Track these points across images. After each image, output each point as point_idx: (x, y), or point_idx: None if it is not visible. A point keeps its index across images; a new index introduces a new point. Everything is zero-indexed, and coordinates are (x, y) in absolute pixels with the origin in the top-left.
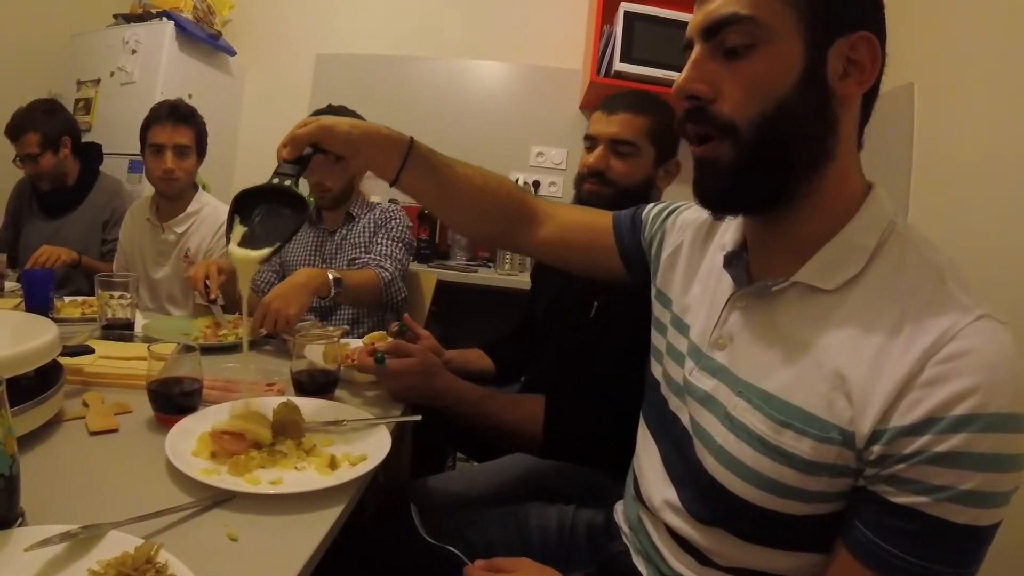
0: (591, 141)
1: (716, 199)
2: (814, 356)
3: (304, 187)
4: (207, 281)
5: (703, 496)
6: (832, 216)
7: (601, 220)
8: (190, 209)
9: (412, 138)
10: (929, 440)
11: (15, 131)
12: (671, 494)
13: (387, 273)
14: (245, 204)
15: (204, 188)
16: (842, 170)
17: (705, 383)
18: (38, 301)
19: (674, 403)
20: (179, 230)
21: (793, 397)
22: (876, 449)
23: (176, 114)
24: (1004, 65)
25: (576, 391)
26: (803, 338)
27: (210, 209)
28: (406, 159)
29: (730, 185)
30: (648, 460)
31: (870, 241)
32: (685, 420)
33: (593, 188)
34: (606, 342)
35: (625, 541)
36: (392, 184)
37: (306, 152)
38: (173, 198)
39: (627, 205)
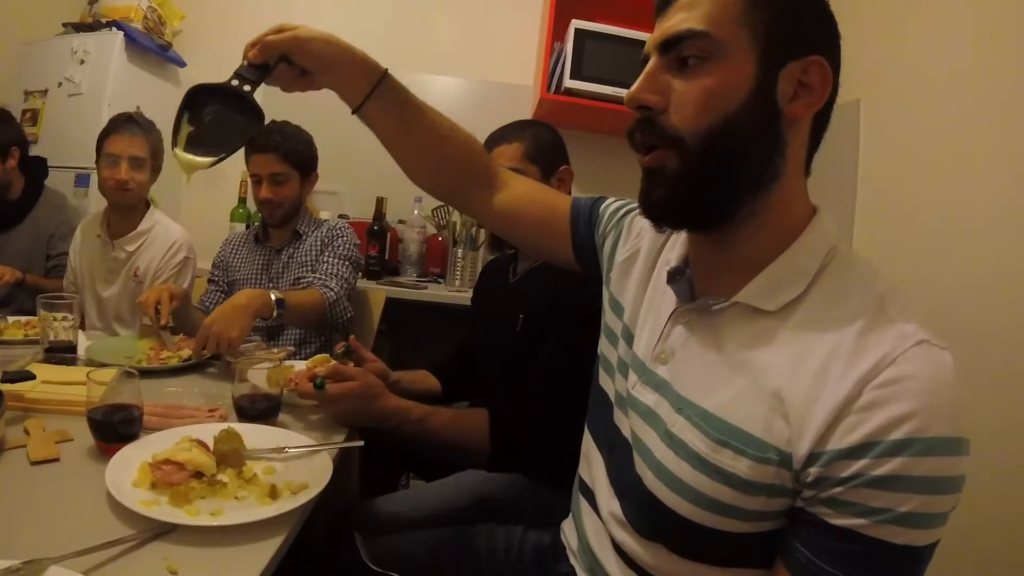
0: None
1: (660, 209)
2: (753, 376)
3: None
4: (158, 306)
5: (643, 511)
6: (776, 237)
7: (560, 202)
8: (141, 227)
9: (387, 70)
10: (867, 464)
11: None
12: (615, 507)
13: (332, 293)
14: (196, 101)
15: (152, 203)
16: (788, 192)
17: (647, 397)
18: None
19: (617, 414)
20: (129, 248)
21: (732, 416)
22: (813, 471)
23: (134, 125)
24: (948, 81)
25: (515, 402)
26: (743, 358)
27: (161, 228)
28: (375, 87)
29: (674, 196)
30: (596, 470)
31: (812, 264)
32: (626, 432)
33: None
34: (535, 351)
35: (572, 561)
36: (354, 112)
37: (271, 61)
38: (124, 211)
39: None
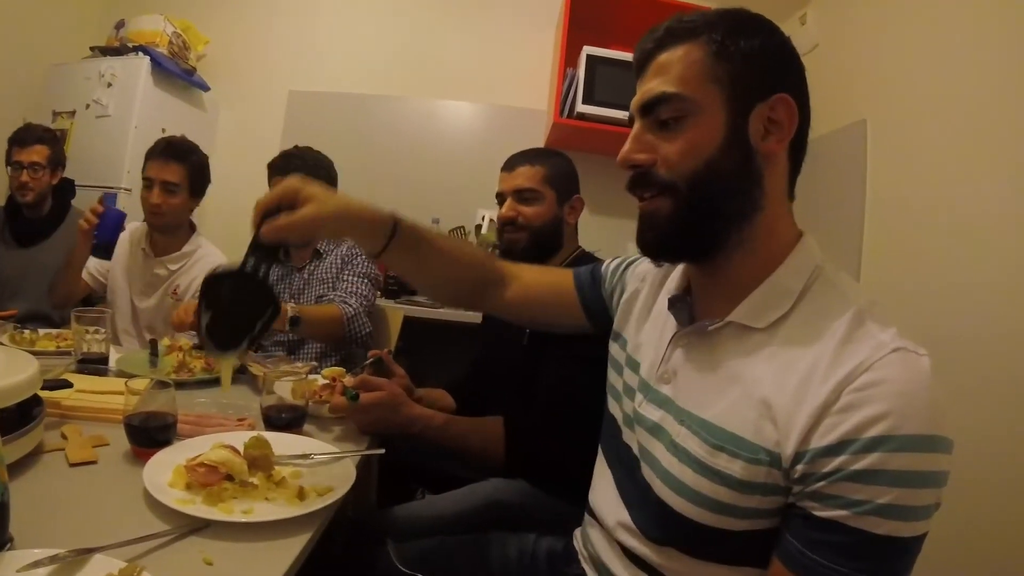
0: (500, 197)
1: (656, 247)
2: (745, 387)
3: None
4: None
5: (653, 517)
6: (763, 262)
7: (563, 278)
8: (185, 249)
9: (396, 218)
10: (846, 459)
11: (28, 136)
12: (624, 516)
13: (351, 308)
14: (213, 284)
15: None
16: (771, 220)
17: (653, 414)
18: (107, 235)
19: (626, 434)
20: (172, 267)
21: (727, 424)
22: (799, 468)
23: (168, 151)
24: (954, 99)
25: (527, 412)
26: (736, 371)
27: (204, 252)
28: (391, 238)
29: (666, 235)
30: (604, 486)
31: (797, 285)
32: (635, 448)
33: (510, 235)
34: (543, 364)
35: (583, 565)
36: (375, 258)
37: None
38: (161, 232)
39: (541, 244)
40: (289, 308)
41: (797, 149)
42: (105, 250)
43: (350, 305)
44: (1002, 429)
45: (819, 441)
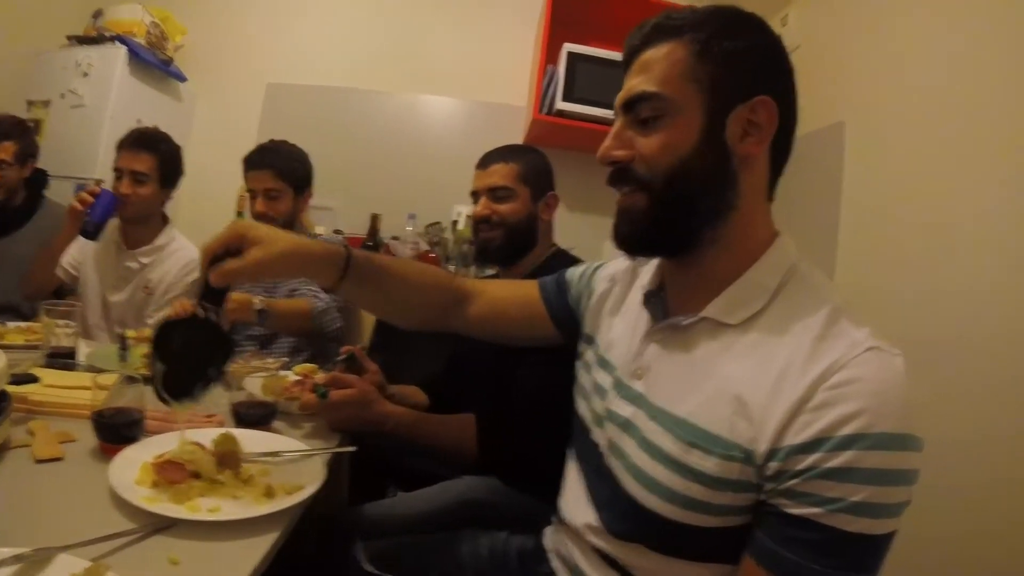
0: (475, 195)
1: (631, 241)
2: (719, 383)
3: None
4: None
5: (623, 514)
6: (738, 259)
7: (528, 289)
8: (158, 242)
9: (348, 251)
10: (820, 457)
11: None
12: (593, 517)
13: (321, 303)
14: (165, 334)
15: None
16: (746, 219)
17: (625, 410)
18: (99, 214)
19: (595, 433)
20: (144, 260)
21: (700, 420)
22: (773, 465)
23: (138, 141)
24: (932, 102)
25: (500, 409)
26: (710, 367)
27: (177, 245)
28: (344, 272)
29: (643, 229)
30: (573, 488)
31: (772, 282)
32: (604, 446)
33: (485, 233)
34: (516, 363)
35: (553, 563)
36: (329, 292)
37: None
38: (132, 224)
39: (516, 241)
40: (257, 301)
41: (779, 151)
42: (95, 230)
43: (321, 299)
44: (976, 430)
45: (793, 438)
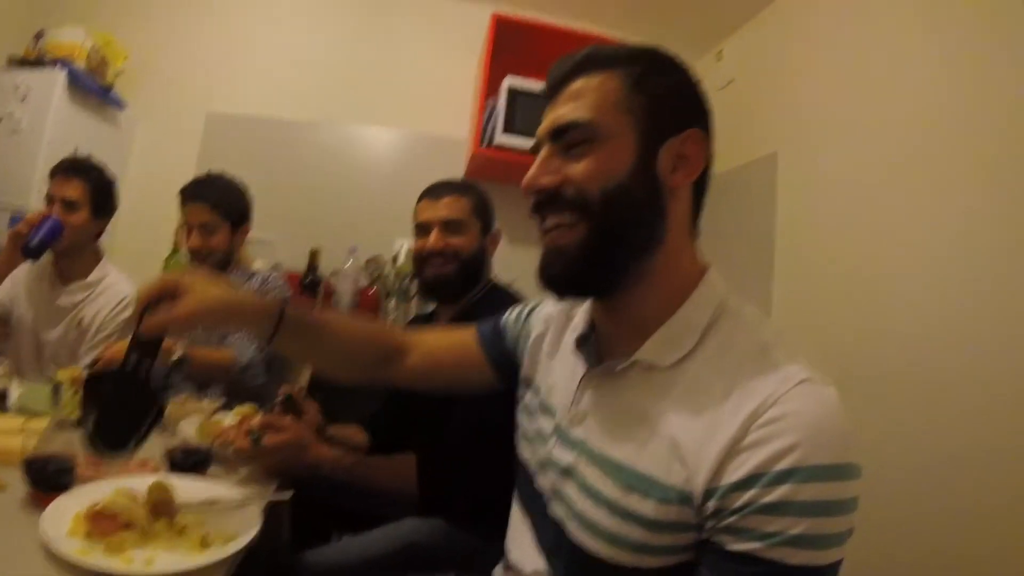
0: (423, 228)
1: (561, 280)
2: (654, 426)
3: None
4: None
5: (570, 560)
6: (666, 299)
7: (465, 336)
8: (91, 278)
9: (283, 306)
10: (756, 493)
11: None
12: (540, 564)
13: (246, 356)
14: (96, 382)
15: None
16: (673, 255)
17: (566, 456)
18: (41, 235)
19: (540, 479)
20: (77, 297)
21: (638, 464)
22: (711, 504)
23: (70, 168)
24: (862, 132)
25: (440, 447)
26: (644, 411)
27: (111, 281)
28: (278, 324)
29: (575, 265)
30: (521, 534)
31: (701, 320)
32: (549, 492)
33: (436, 268)
34: (455, 400)
35: None
36: (266, 346)
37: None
38: (69, 255)
39: (470, 275)
40: (178, 348)
41: (700, 186)
42: (37, 250)
43: (247, 352)
44: (918, 462)
45: (729, 477)
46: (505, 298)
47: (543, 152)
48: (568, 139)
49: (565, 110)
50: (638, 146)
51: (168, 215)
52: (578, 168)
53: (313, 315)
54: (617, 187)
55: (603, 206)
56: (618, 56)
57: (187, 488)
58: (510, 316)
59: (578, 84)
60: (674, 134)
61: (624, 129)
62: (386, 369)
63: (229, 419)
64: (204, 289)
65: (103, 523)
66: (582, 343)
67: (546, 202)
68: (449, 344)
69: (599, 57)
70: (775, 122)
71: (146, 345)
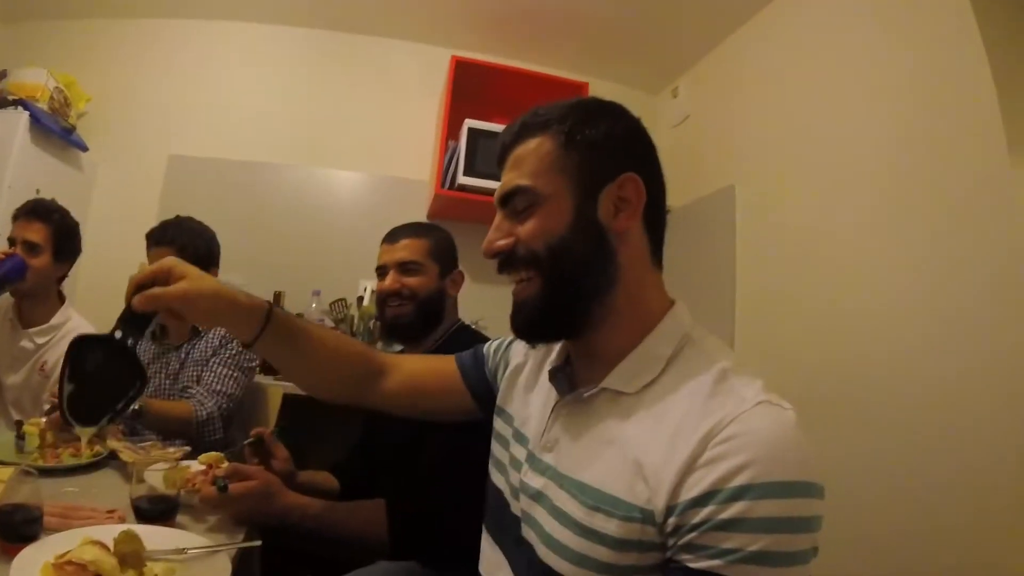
0: (382, 270)
1: (528, 330)
2: (618, 448)
3: None
4: None
5: None
6: (631, 331)
7: (444, 363)
8: (54, 321)
9: (271, 306)
10: (713, 509)
11: None
12: None
13: (204, 412)
14: (79, 351)
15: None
16: (634, 291)
17: (536, 481)
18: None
19: (514, 506)
20: (39, 340)
21: (602, 485)
22: (671, 522)
23: (33, 210)
24: (818, 164)
25: (410, 490)
26: (610, 434)
27: (74, 324)
28: (264, 326)
29: (537, 317)
30: (494, 563)
31: (666, 351)
32: (521, 517)
33: (394, 308)
34: (424, 440)
35: None
36: (247, 347)
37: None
38: (31, 298)
39: (427, 315)
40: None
41: (653, 221)
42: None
43: (205, 408)
44: (868, 479)
45: (687, 494)
46: (473, 338)
47: (497, 217)
48: (514, 204)
49: (510, 177)
50: (575, 200)
51: (131, 258)
52: (525, 229)
53: (300, 321)
54: (560, 241)
55: (551, 260)
56: (550, 117)
57: (155, 537)
58: (491, 346)
59: (519, 150)
60: (610, 181)
61: (560, 188)
62: (365, 388)
63: (195, 466)
64: (199, 276)
65: (72, 573)
66: (555, 374)
67: (505, 262)
68: (429, 368)
69: (534, 122)
70: (732, 156)
71: (135, 321)
